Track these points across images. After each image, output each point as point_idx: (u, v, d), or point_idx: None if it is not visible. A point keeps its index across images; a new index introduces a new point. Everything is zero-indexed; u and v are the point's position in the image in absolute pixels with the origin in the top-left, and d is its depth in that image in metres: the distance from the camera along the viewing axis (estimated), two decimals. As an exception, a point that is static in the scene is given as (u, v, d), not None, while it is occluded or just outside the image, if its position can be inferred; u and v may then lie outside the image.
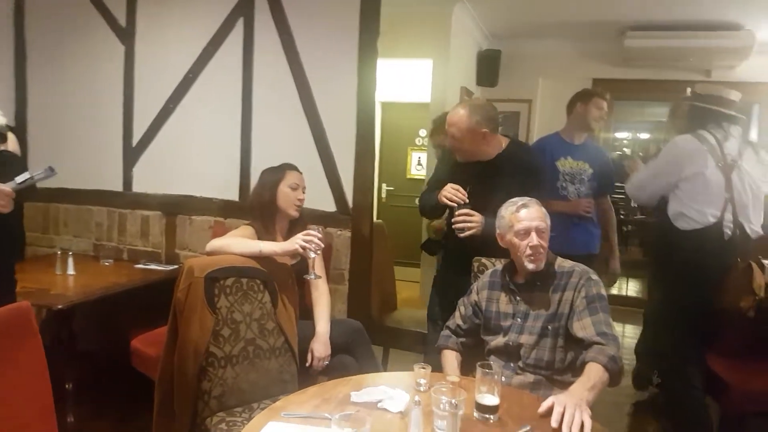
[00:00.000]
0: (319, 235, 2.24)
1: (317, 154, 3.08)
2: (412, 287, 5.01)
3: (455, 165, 2.51)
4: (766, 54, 4.88)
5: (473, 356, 2.01)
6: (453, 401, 1.40)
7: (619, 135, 8.22)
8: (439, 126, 2.82)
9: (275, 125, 3.20)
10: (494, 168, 2.44)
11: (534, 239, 1.92)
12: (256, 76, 3.24)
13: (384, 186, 6.30)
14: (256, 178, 2.65)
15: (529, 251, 1.94)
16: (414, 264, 4.79)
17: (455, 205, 2.34)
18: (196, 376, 1.97)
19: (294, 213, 2.50)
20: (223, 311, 2.04)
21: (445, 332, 2.17)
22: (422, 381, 1.70)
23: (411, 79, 5.32)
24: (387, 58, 4.88)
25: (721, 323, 2.59)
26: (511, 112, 5.62)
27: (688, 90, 2.79)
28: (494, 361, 2.00)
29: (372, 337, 2.69)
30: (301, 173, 2.57)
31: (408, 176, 6.22)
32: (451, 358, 2.09)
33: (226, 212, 3.34)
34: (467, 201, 2.34)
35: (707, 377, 2.67)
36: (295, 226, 2.51)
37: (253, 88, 3.24)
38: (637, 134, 8.19)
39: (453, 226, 2.33)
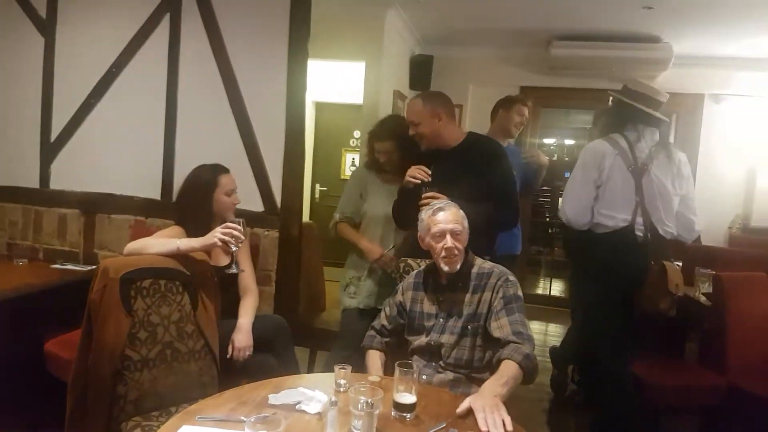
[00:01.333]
0: (239, 228, 2.23)
1: (245, 154, 3.03)
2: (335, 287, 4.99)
3: (418, 158, 2.57)
4: (683, 66, 5.21)
5: (399, 356, 2.00)
6: (369, 401, 1.41)
7: (546, 141, 8.58)
8: (378, 132, 2.81)
9: (201, 123, 3.13)
10: (456, 157, 2.52)
11: (448, 241, 1.97)
12: (182, 73, 3.16)
13: (317, 186, 6.29)
14: (181, 177, 2.59)
15: (444, 253, 1.99)
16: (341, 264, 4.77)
17: (419, 182, 2.40)
18: (111, 379, 1.90)
19: (231, 216, 2.46)
20: (140, 313, 1.98)
21: (370, 332, 2.19)
22: (342, 381, 1.71)
23: (345, 81, 5.33)
24: (320, 59, 4.93)
25: (637, 323, 2.63)
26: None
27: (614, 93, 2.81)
28: (416, 361, 2.05)
29: (299, 339, 2.71)
30: (230, 174, 2.56)
31: (342, 177, 6.24)
32: (375, 358, 2.11)
33: (147, 211, 3.23)
34: (430, 179, 2.40)
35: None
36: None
37: (178, 85, 3.16)
38: (563, 140, 8.56)
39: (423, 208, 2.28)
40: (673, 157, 2.59)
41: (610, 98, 2.77)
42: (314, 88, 5.92)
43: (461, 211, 2.06)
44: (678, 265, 3.57)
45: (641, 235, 2.53)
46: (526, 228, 5.81)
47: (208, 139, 3.10)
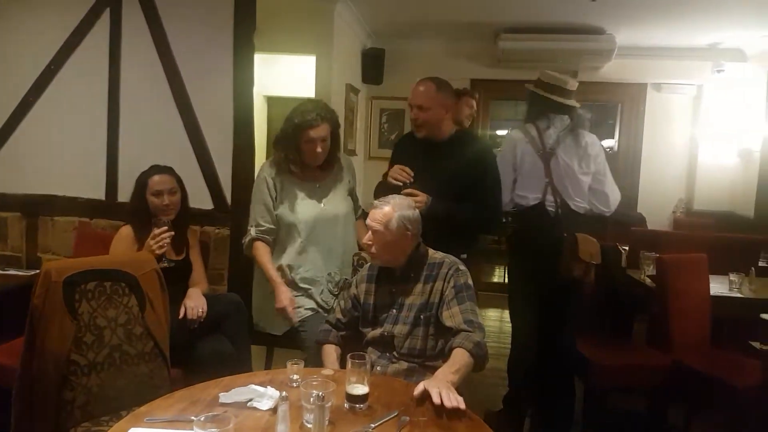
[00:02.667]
0: (165, 228, 2.39)
1: (192, 150, 2.98)
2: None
3: (409, 146, 2.59)
4: (626, 57, 5.40)
5: (355, 349, 2.02)
6: (320, 394, 1.41)
7: (499, 132, 8.70)
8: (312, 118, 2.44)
9: (146, 120, 3.06)
10: (447, 148, 2.51)
11: (367, 237, 2.05)
12: (125, 69, 3.08)
13: (271, 183, 6.21)
14: (125, 176, 2.56)
15: (365, 247, 2.09)
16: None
17: (400, 184, 2.40)
18: (58, 385, 1.85)
19: (164, 217, 2.46)
20: (85, 317, 1.92)
21: (325, 327, 2.20)
22: (295, 377, 1.70)
23: (297, 74, 5.27)
24: (270, 52, 4.87)
25: (561, 294, 2.83)
26: (397, 109, 5.75)
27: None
28: (371, 352, 2.07)
29: (255, 337, 2.68)
30: (169, 175, 2.54)
31: (296, 173, 6.16)
32: (330, 352, 2.11)
33: (92, 212, 3.14)
34: (413, 180, 2.39)
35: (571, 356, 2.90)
36: (176, 226, 2.52)
37: (120, 81, 3.08)
38: (509, 131, 8.67)
39: None
40: (579, 140, 2.82)
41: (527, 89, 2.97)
42: (266, 83, 5.89)
43: (400, 213, 2.03)
44: (624, 249, 3.75)
45: (552, 210, 2.78)
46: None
47: (153, 136, 3.04)
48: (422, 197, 2.37)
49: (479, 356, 1.82)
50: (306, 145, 2.42)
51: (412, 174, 2.42)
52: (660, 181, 5.67)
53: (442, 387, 1.57)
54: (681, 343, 2.93)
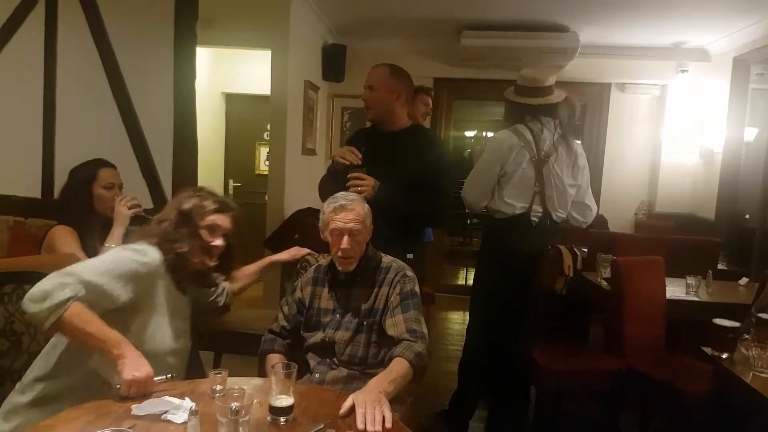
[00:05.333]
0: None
1: (130, 146, 2.84)
2: (256, 286, 4.83)
3: (363, 139, 2.52)
4: (590, 56, 5.39)
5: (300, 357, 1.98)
6: (233, 407, 1.31)
7: (467, 133, 8.71)
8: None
9: (83, 115, 2.92)
10: (397, 141, 2.47)
11: (345, 242, 1.91)
12: (61, 61, 2.93)
13: (231, 182, 6.06)
14: (62, 173, 2.40)
15: (340, 254, 1.94)
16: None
17: (347, 164, 2.34)
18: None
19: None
20: (1, 322, 1.80)
21: (269, 336, 2.08)
22: (218, 387, 1.59)
23: (256, 70, 5.15)
24: (224, 46, 4.74)
25: (532, 306, 2.79)
26: (359, 108, 5.64)
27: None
28: (311, 358, 2.00)
29: (202, 342, 2.55)
30: (116, 169, 2.39)
31: (257, 171, 6.03)
32: (275, 362, 2.00)
33: (27, 211, 2.97)
34: (360, 163, 2.34)
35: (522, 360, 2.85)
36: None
37: (57, 74, 2.92)
38: (482, 132, 8.70)
39: (348, 189, 2.27)
40: (571, 149, 2.74)
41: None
42: (224, 79, 5.76)
43: (366, 207, 1.99)
44: (583, 250, 3.72)
45: (536, 221, 2.68)
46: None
47: (90, 132, 2.90)
48: (370, 181, 2.31)
49: (419, 367, 1.76)
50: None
51: (360, 156, 2.37)
52: (622, 183, 5.68)
53: (369, 403, 1.48)
54: (634, 347, 2.88)
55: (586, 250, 3.87)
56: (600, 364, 2.89)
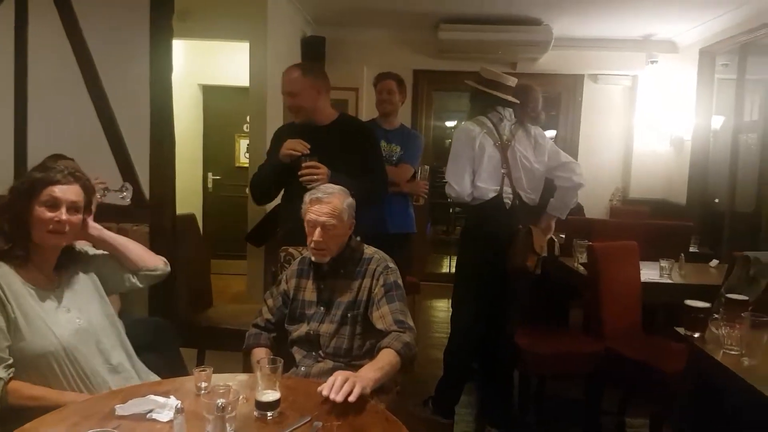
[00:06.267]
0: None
1: (106, 142, 2.78)
2: (239, 281, 4.82)
3: (291, 134, 2.53)
4: (563, 48, 5.47)
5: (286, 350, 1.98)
6: (220, 403, 1.32)
7: (448, 124, 8.74)
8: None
9: (55, 111, 2.84)
10: (331, 132, 2.52)
11: (317, 234, 1.92)
12: (32, 54, 2.84)
13: (210, 175, 6.00)
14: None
15: (312, 245, 1.95)
16: (243, 256, 4.58)
17: (300, 154, 2.37)
18: None
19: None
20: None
21: (253, 331, 2.08)
22: (203, 384, 1.58)
23: (234, 62, 5.09)
24: (201, 38, 4.68)
25: (511, 287, 2.89)
26: (339, 99, 5.63)
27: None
28: (297, 351, 2.00)
29: (184, 339, 2.58)
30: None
31: (237, 164, 5.98)
32: (261, 356, 1.99)
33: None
34: (309, 152, 2.37)
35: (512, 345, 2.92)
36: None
37: (28, 68, 2.84)
38: (461, 123, 8.74)
39: (300, 179, 2.34)
40: (529, 132, 2.91)
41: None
42: (201, 71, 5.68)
43: (346, 201, 1.98)
44: (561, 237, 3.79)
45: (509, 202, 2.85)
46: (429, 209, 5.90)
47: (63, 128, 2.82)
48: (324, 169, 2.36)
49: (407, 357, 1.78)
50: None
51: (309, 146, 2.41)
52: (597, 171, 5.78)
53: (344, 376, 1.50)
54: (613, 329, 2.95)
55: (563, 236, 3.94)
56: (581, 346, 2.97)
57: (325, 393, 1.46)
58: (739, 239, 4.42)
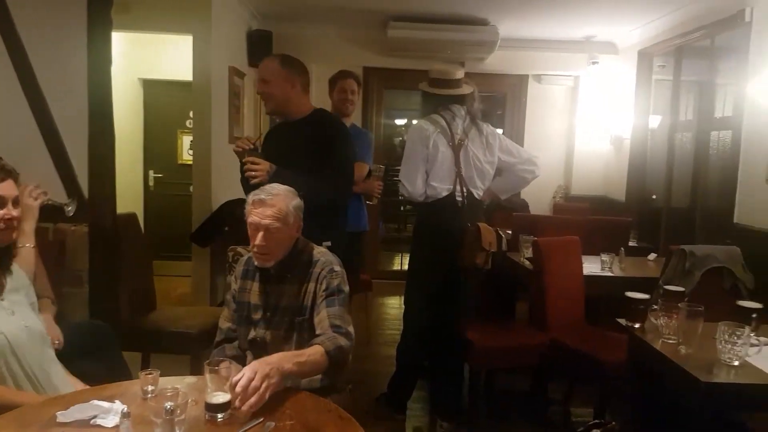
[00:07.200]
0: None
1: (41, 140, 2.63)
2: (184, 282, 4.68)
3: (273, 133, 2.58)
4: (509, 49, 5.58)
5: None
6: (168, 406, 1.28)
7: (397, 122, 8.79)
8: None
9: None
10: (300, 129, 2.48)
11: (258, 238, 1.81)
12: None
13: (151, 173, 5.79)
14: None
15: (255, 249, 1.85)
16: (187, 257, 4.45)
17: (240, 150, 2.35)
18: None
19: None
20: None
21: (216, 350, 1.96)
22: (150, 388, 1.53)
23: (176, 56, 4.94)
24: (142, 31, 4.52)
25: (466, 284, 2.93)
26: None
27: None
28: (249, 354, 1.92)
29: (127, 343, 2.49)
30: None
31: (180, 161, 5.79)
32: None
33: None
34: (254, 147, 2.36)
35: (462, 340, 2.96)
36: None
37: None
38: (412, 121, 8.81)
39: (245, 175, 2.32)
40: (481, 131, 2.93)
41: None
42: (142, 65, 5.49)
43: (292, 203, 1.86)
44: (508, 233, 3.87)
45: (461, 200, 2.87)
46: (380, 207, 5.91)
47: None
48: (264, 165, 2.31)
49: (336, 360, 1.69)
50: None
51: (254, 141, 2.42)
52: (541, 169, 5.92)
53: (250, 372, 1.45)
54: (557, 321, 3.05)
55: (510, 232, 4.04)
56: (527, 339, 3.06)
57: (237, 390, 1.41)
58: (675, 234, 4.63)
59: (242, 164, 2.40)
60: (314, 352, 1.66)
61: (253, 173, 2.28)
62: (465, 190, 2.88)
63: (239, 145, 2.40)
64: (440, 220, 2.86)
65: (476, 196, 2.93)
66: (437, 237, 2.86)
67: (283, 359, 1.56)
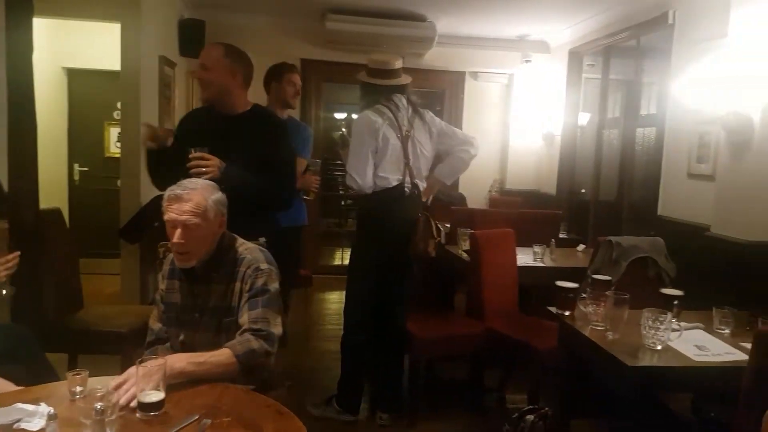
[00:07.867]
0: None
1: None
2: (113, 281, 4.48)
3: (201, 120, 2.47)
4: (447, 45, 5.67)
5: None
6: (98, 407, 1.23)
7: (337, 115, 8.74)
8: None
9: None
10: (241, 123, 2.39)
11: (176, 236, 1.72)
12: None
13: (76, 166, 5.51)
14: None
15: (174, 248, 1.76)
16: (116, 254, 4.25)
17: (155, 146, 2.28)
18: None
19: None
20: None
21: (147, 351, 1.86)
22: (78, 389, 1.46)
23: (103, 44, 4.71)
24: (67, 17, 4.28)
25: (410, 272, 2.99)
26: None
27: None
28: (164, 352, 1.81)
29: (53, 344, 2.40)
30: None
31: (107, 154, 5.54)
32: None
33: None
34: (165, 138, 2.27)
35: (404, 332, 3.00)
36: None
37: None
38: (351, 115, 8.80)
39: (190, 171, 2.13)
40: (424, 120, 2.95)
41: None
42: (65, 53, 5.20)
43: (212, 197, 1.77)
44: (446, 226, 3.95)
45: (407, 190, 2.89)
46: (320, 202, 5.87)
47: None
48: (215, 161, 2.18)
49: (247, 364, 1.62)
50: None
51: (172, 131, 2.38)
52: (477, 164, 5.96)
53: (135, 374, 1.42)
54: (493, 311, 3.15)
55: (448, 225, 4.12)
56: (464, 328, 3.14)
57: (119, 395, 1.41)
58: (602, 226, 4.86)
59: (150, 154, 2.36)
60: (221, 355, 1.60)
61: (204, 170, 2.14)
62: (411, 180, 2.89)
63: (154, 139, 2.34)
64: (387, 211, 2.85)
65: (420, 187, 2.95)
66: (387, 228, 2.86)
67: (181, 360, 1.54)
